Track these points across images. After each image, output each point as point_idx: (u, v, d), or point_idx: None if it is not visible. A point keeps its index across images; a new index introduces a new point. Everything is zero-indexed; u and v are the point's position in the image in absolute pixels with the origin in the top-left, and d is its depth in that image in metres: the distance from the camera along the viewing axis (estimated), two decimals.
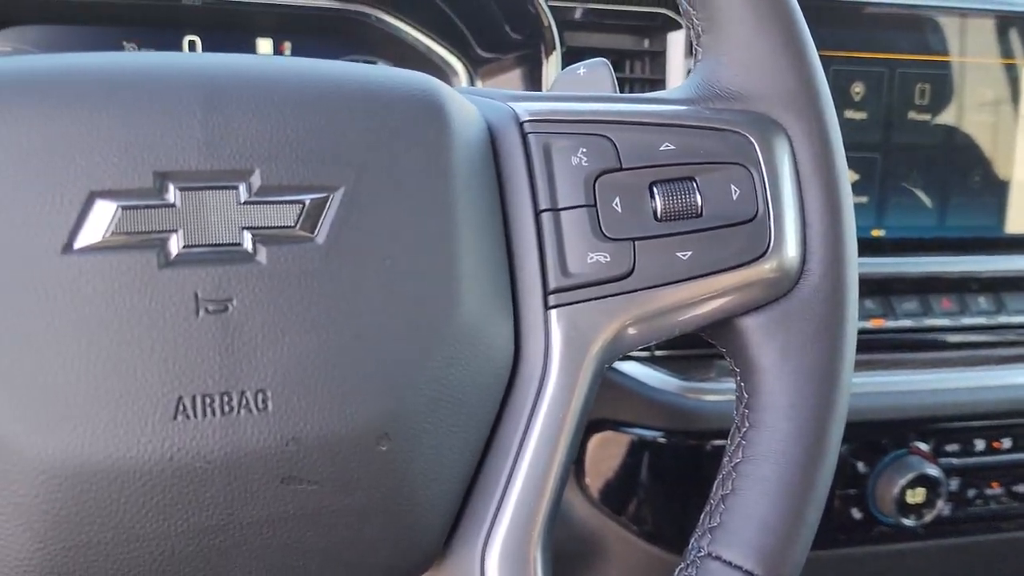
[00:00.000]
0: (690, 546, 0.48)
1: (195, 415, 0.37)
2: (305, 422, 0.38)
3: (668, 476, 0.99)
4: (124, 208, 0.37)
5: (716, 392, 0.97)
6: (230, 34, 1.00)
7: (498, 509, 0.44)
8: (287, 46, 1.02)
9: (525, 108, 0.47)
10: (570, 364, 0.45)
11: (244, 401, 0.37)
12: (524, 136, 0.46)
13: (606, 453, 0.99)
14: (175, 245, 0.37)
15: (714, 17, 0.49)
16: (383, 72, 0.44)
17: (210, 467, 0.37)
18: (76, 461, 0.35)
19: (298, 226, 0.39)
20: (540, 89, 0.96)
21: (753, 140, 0.48)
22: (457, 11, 1.00)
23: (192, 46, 0.99)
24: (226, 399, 0.37)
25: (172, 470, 0.36)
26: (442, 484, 0.42)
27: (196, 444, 0.37)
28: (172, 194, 0.38)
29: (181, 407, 0.37)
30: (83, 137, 0.37)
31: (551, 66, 0.94)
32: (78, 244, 0.36)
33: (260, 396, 0.37)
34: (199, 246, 0.38)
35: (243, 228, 0.38)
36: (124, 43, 0.97)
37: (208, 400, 0.37)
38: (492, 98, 0.49)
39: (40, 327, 0.35)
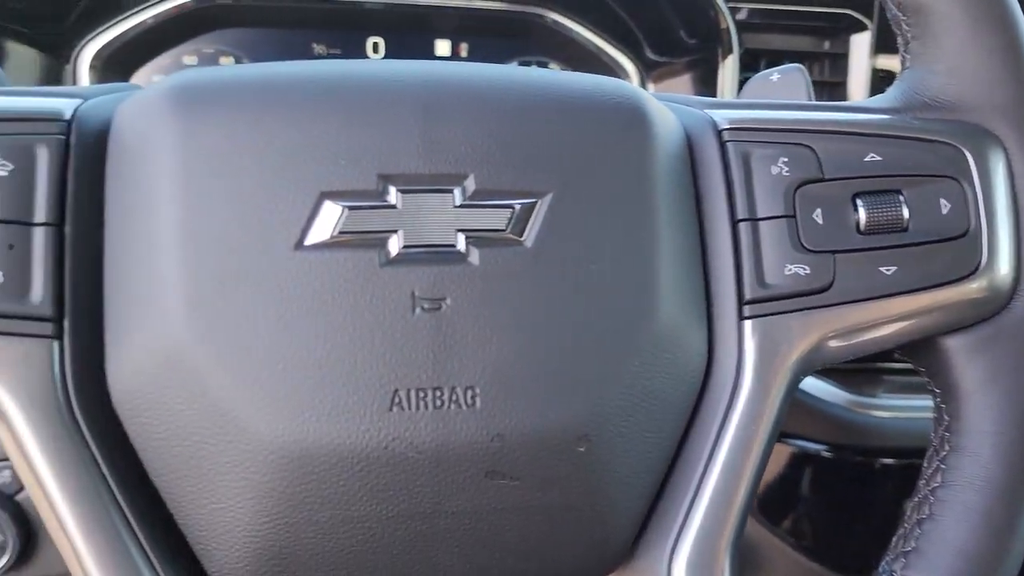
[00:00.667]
0: (880, 569, 0.47)
1: (409, 407, 0.39)
2: (510, 420, 0.39)
3: (832, 492, 0.96)
4: (350, 208, 0.39)
5: (887, 408, 0.93)
6: (410, 35, 1.03)
7: (687, 516, 0.44)
8: (464, 47, 1.05)
9: (723, 116, 0.47)
10: (763, 376, 0.44)
11: (454, 396, 0.39)
12: (722, 144, 0.46)
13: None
14: (395, 245, 0.39)
15: (927, 24, 0.47)
16: (588, 80, 0.45)
17: (421, 457, 0.39)
18: (303, 444, 0.38)
19: (508, 229, 0.40)
20: (715, 93, 0.95)
21: (967, 152, 0.46)
22: (631, 14, 1.00)
23: (376, 47, 1.03)
24: (438, 394, 0.39)
25: (387, 458, 0.39)
26: (634, 487, 0.43)
27: (409, 435, 0.39)
28: (393, 196, 0.40)
29: (396, 399, 0.39)
30: (314, 142, 0.40)
31: (727, 69, 0.93)
32: (308, 241, 0.39)
33: (469, 392, 0.39)
34: (416, 246, 0.40)
35: (457, 230, 0.40)
36: (314, 45, 1.02)
37: (421, 394, 0.39)
38: (689, 105, 0.49)
39: (274, 318, 0.38)
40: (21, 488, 0.67)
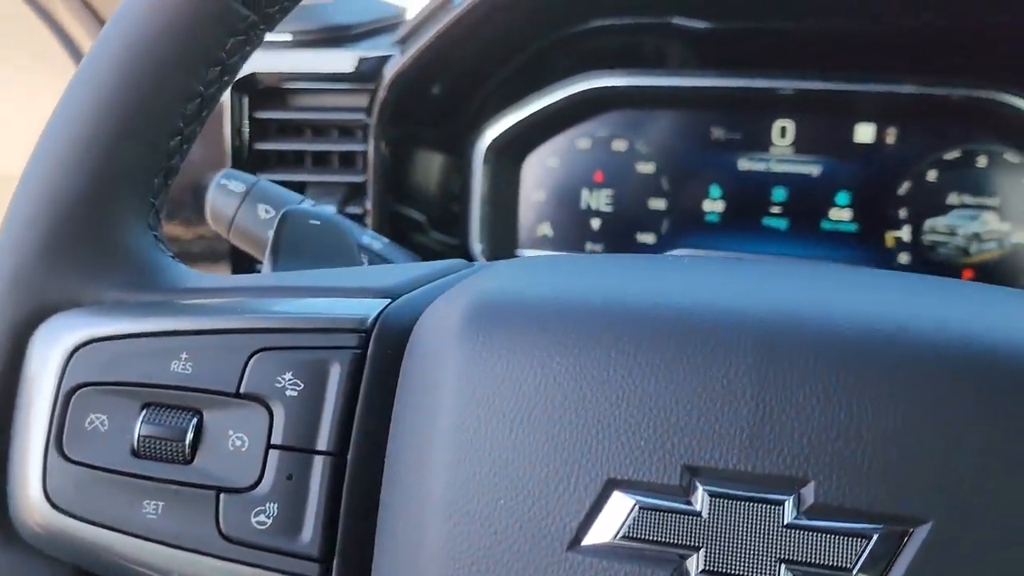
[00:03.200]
0: None
1: None
2: None
3: None
4: (642, 508, 0.30)
5: None
6: (825, 117, 0.90)
7: None
8: (891, 133, 0.89)
9: None
10: None
11: None
12: None
13: None
14: (693, 568, 0.30)
15: None
16: None
17: None
18: None
19: (856, 570, 0.29)
20: None
21: None
22: None
23: (783, 132, 0.91)
24: None
25: None
26: None
27: None
28: (700, 498, 0.30)
29: None
30: (607, 407, 0.31)
31: None
32: (586, 540, 0.31)
33: None
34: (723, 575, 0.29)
35: (781, 560, 0.29)
36: (712, 128, 0.93)
37: None
38: None
39: None
40: None
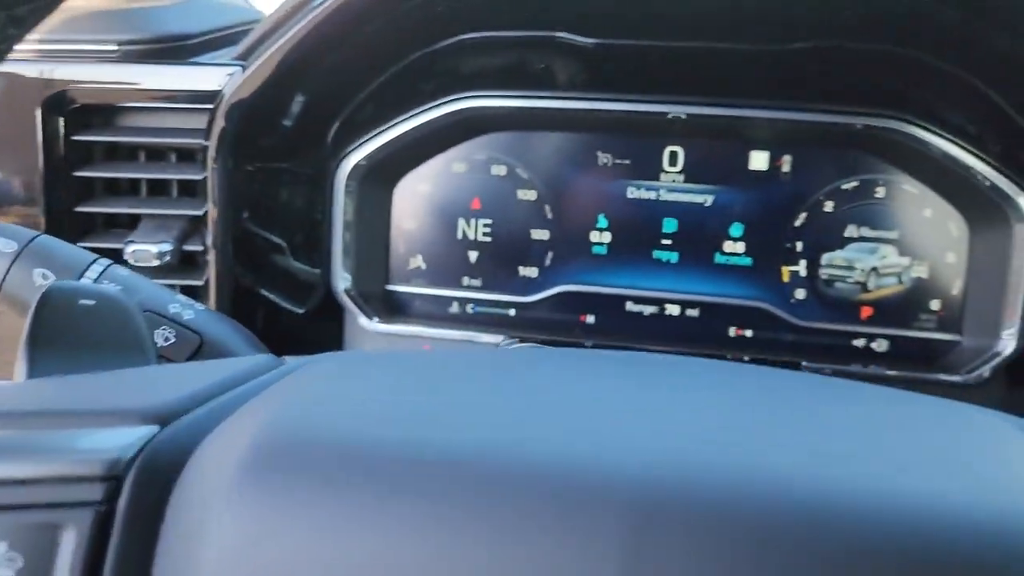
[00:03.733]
0: None
1: None
2: None
3: None
4: None
5: None
6: (717, 144, 0.83)
7: None
8: (786, 161, 0.83)
9: None
10: None
11: None
12: None
13: None
14: None
15: None
16: None
17: None
18: None
19: None
20: None
21: None
22: None
23: (674, 159, 0.84)
24: None
25: None
26: None
27: None
28: None
29: None
30: None
31: None
32: None
33: None
34: None
35: None
36: (598, 153, 0.85)
37: None
38: None
39: None
40: None
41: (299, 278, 0.86)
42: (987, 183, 0.75)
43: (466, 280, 0.89)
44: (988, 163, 0.75)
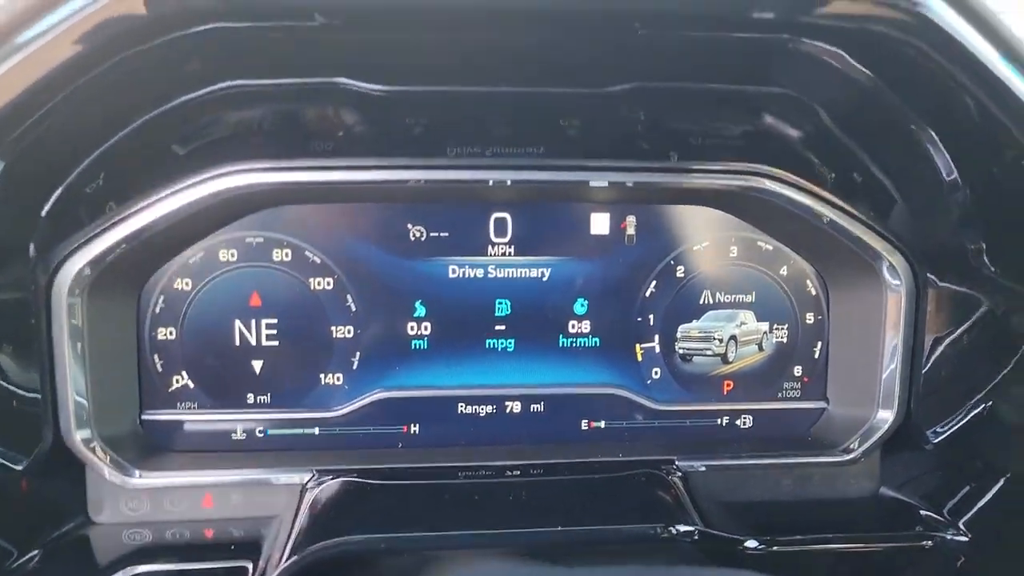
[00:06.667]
0: None
1: None
2: None
3: None
4: None
5: None
6: (551, 209, 0.69)
7: None
8: (630, 222, 0.70)
9: None
10: None
11: None
12: None
13: None
14: None
15: None
16: None
17: None
18: None
19: None
20: None
21: None
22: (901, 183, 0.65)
23: (501, 228, 0.69)
24: None
25: None
26: None
27: None
28: None
29: None
30: None
31: None
32: None
33: None
34: None
35: None
36: (409, 226, 0.68)
37: None
38: None
39: None
40: None
41: (17, 423, 0.61)
42: (851, 237, 0.67)
43: (251, 397, 0.69)
44: (854, 217, 0.67)
